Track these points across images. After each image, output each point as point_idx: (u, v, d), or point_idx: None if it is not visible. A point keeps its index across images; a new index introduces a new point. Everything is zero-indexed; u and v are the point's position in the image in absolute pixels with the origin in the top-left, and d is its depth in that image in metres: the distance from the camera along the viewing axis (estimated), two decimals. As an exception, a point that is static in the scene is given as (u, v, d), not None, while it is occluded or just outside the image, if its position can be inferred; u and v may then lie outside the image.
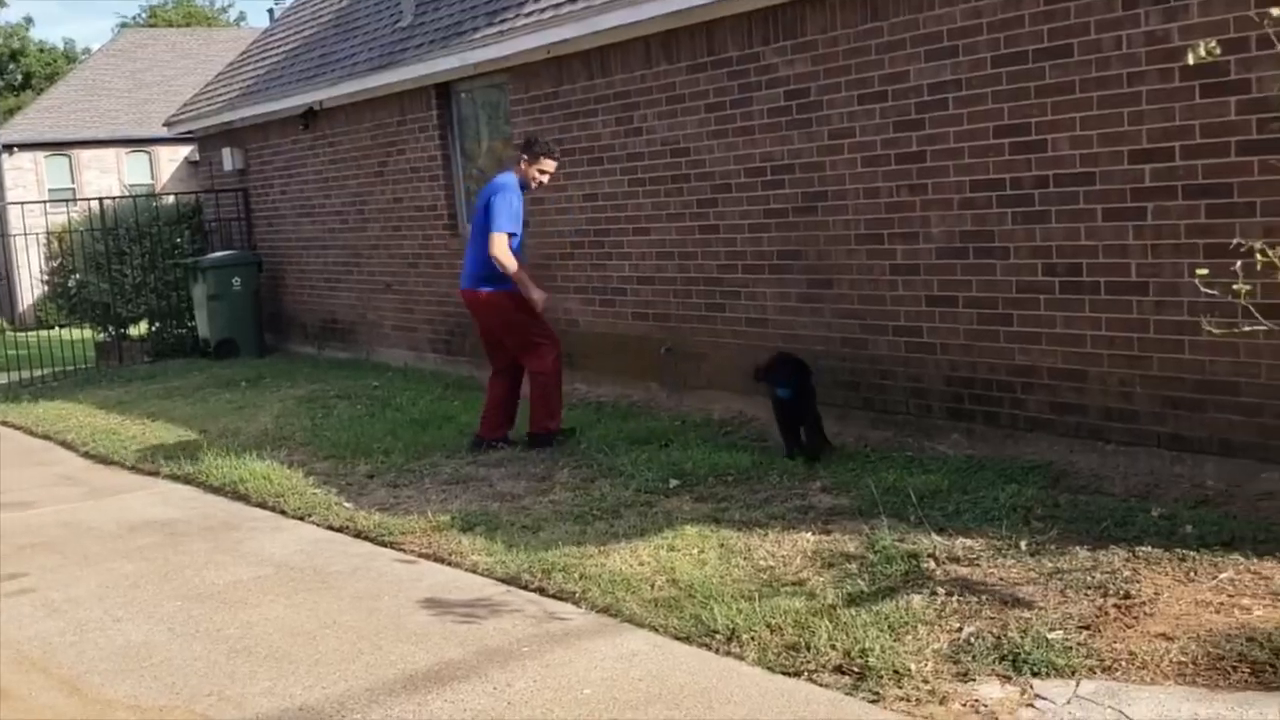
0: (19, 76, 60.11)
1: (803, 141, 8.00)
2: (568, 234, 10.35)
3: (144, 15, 60.77)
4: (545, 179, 8.22)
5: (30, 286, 23.34)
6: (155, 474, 8.85)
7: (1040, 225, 6.68)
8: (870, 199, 7.59)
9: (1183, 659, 4.18)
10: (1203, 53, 4.34)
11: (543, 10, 9.91)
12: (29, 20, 67.09)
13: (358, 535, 6.76)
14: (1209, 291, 4.59)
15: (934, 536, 5.57)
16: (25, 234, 15.74)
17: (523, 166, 8.12)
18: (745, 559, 5.63)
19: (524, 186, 8.19)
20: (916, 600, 4.88)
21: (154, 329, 16.05)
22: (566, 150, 10.21)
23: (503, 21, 10.44)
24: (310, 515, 7.23)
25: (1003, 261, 6.88)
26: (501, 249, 7.92)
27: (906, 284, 7.45)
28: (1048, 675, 4.18)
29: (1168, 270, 6.12)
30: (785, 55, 8.04)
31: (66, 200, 23.55)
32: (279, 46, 16.29)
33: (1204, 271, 4.63)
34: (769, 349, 8.32)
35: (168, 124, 18.39)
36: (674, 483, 6.99)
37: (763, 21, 8.16)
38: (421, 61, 11.50)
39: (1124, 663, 4.20)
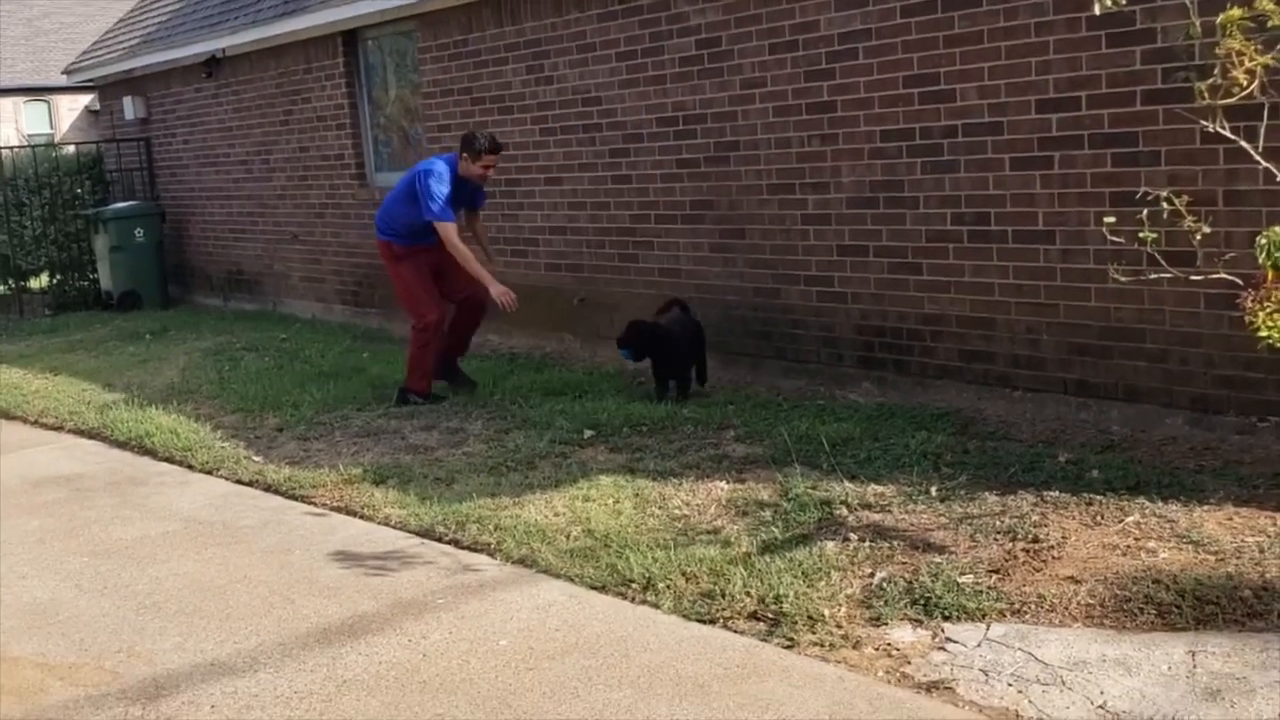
0: (-94, 21, 58.03)
1: (715, 91, 7.97)
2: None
3: (38, -42, 58.86)
4: (490, 172, 7.98)
5: (-77, 239, 22.65)
6: (60, 428, 8.66)
7: (949, 175, 6.73)
8: (782, 149, 7.59)
9: (1091, 601, 4.27)
10: (1109, 2, 4.38)
11: (452, -45, 9.74)
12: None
13: (268, 489, 6.67)
14: (1115, 239, 4.66)
15: (846, 484, 5.63)
16: (-84, 185, 15.25)
17: (464, 164, 7.79)
18: (660, 508, 5.65)
19: (461, 179, 7.84)
20: (829, 546, 4.93)
21: (55, 281, 15.65)
22: (476, 99, 10.09)
23: (411, -34, 10.24)
24: (219, 469, 7.11)
25: (912, 211, 6.94)
26: (453, 236, 7.72)
27: (818, 234, 7.48)
28: (958, 619, 4.25)
29: (1074, 219, 6.21)
30: (696, 4, 7.98)
31: (-41, 150, 22.79)
32: (180, -9, 15.84)
33: (1111, 219, 4.71)
34: (682, 298, 8.34)
35: (67, 72, 17.85)
36: (589, 433, 6.98)
37: (674, -32, 8.10)
38: (328, 7, 11.26)
39: (1033, 605, 4.28)
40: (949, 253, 6.79)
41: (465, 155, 7.76)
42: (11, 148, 16.09)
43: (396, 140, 11.64)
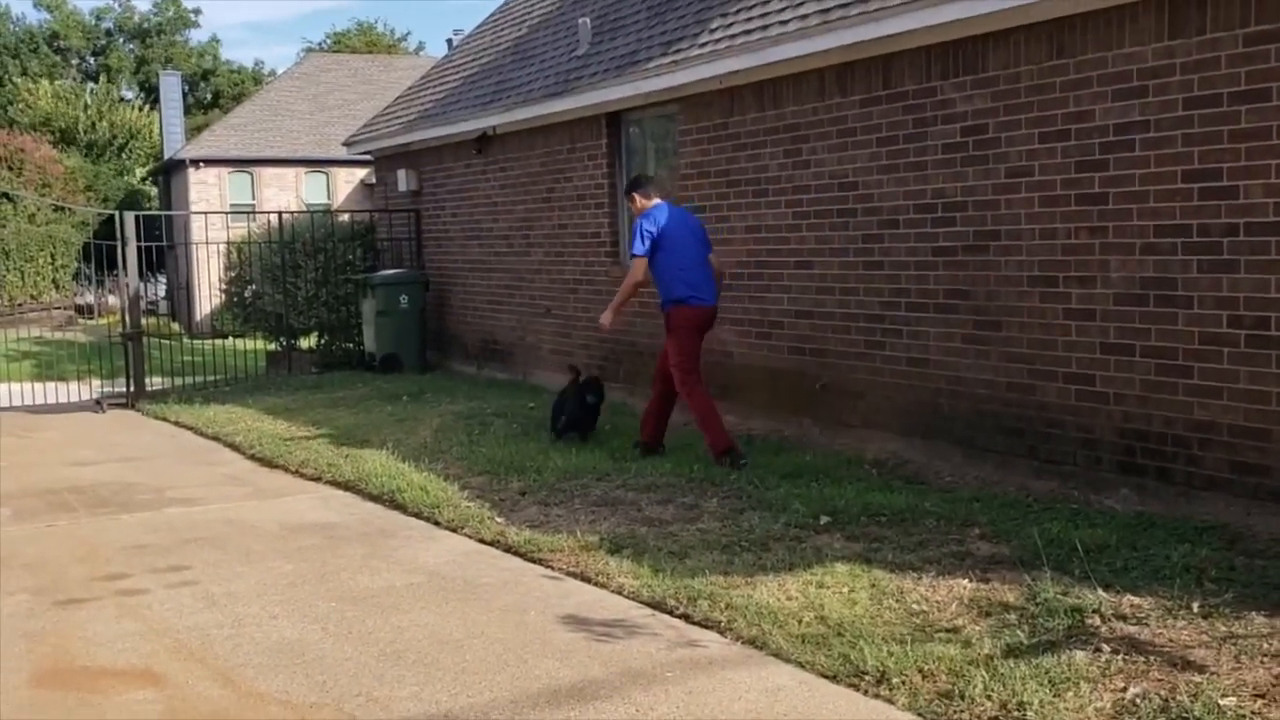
0: (208, 95, 63.02)
1: (978, 179, 7.82)
2: (728, 265, 10.28)
3: (328, 41, 63.11)
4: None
5: (208, 296, 24.25)
6: (318, 479, 9.04)
7: (1228, 275, 6.38)
8: (1046, 240, 7.36)
9: (1372, 738, 3.90)
10: None
11: (717, 41, 9.92)
12: (216, 39, 70.01)
13: (508, 550, 6.80)
14: None
15: (1100, 592, 5.33)
16: (207, 243, 16.33)
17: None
18: (897, 601, 5.48)
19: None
20: (1079, 656, 4.66)
21: (322, 341, 16.47)
22: (732, 182, 10.19)
23: (677, 51, 10.48)
24: (463, 527, 7.29)
25: (1185, 311, 6.60)
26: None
27: (1080, 329, 7.19)
28: (1220, 743, 3.94)
29: (1366, 328, 5.78)
30: (964, 90, 7.87)
31: (247, 213, 24.44)
32: (456, 72, 16.66)
33: None
34: (931, 390, 8.16)
35: (347, 144, 18.96)
36: (825, 519, 6.85)
37: (942, 55, 8.02)
38: (595, 89, 11.61)
39: (1306, 737, 3.94)
40: (1223, 357, 6.42)
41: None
42: (292, 213, 17.08)
43: (652, 220, 11.83)
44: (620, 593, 5.89)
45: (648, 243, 8.61)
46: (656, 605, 5.66)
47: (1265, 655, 4.57)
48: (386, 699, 4.70)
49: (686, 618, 5.47)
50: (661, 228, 8.63)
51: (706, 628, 5.34)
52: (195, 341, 20.52)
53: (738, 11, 10.01)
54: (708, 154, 10.50)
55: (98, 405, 14.06)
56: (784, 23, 9.13)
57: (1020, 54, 7.46)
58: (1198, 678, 4.40)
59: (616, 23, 12.46)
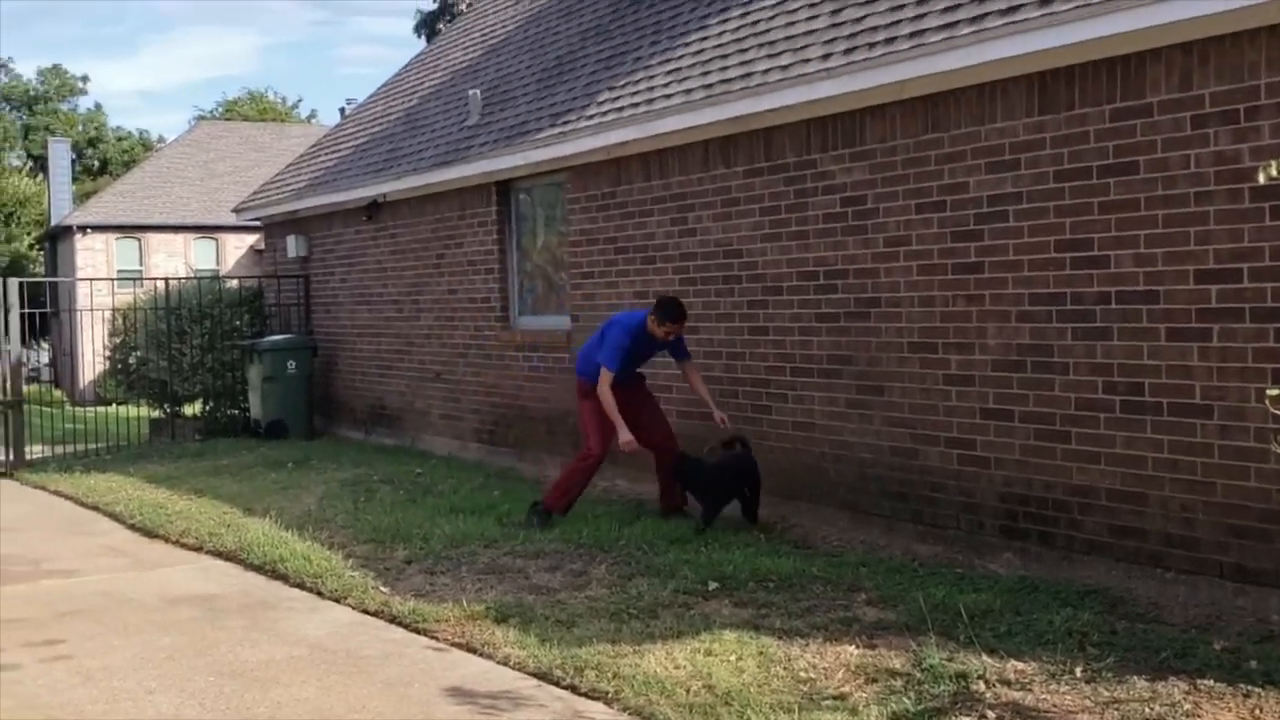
0: (95, 162, 61.94)
1: (857, 247, 7.95)
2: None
3: (220, 109, 62.55)
4: (670, 337, 8.64)
5: (92, 363, 23.68)
6: (199, 549, 8.81)
7: (1101, 342, 6.55)
8: (925, 307, 7.50)
9: (1243, 797, 3.97)
10: (1274, 172, 4.26)
11: (605, 113, 10.01)
12: (100, 108, 69.25)
13: (392, 620, 6.66)
14: (1278, 412, 4.44)
15: (984, 657, 5.38)
16: (92, 310, 15.95)
17: (652, 323, 8.57)
18: (785, 669, 5.46)
19: (648, 335, 8.60)
20: (962, 720, 4.69)
21: (207, 408, 16.13)
22: (620, 249, 10.25)
23: (565, 123, 10.55)
24: (346, 598, 7.14)
25: (1062, 377, 6.75)
26: (604, 384, 8.50)
27: (960, 395, 7.32)
28: (1099, 806, 3.97)
29: (1233, 394, 5.96)
30: (843, 163, 8.03)
31: (133, 279, 23.97)
32: (348, 141, 16.58)
33: (1276, 392, 4.48)
34: (817, 454, 8.23)
35: (237, 210, 18.72)
36: (713, 585, 6.83)
37: (821, 129, 8.17)
38: (485, 159, 11.64)
39: (1180, 798, 3.99)
40: (1100, 422, 6.57)
41: (654, 316, 8.53)
42: (179, 279, 16.79)
43: (541, 286, 11.86)
44: (506, 663, 5.80)
45: None
46: (543, 676, 5.58)
47: (1147, 719, 4.64)
48: (261, 779, 4.56)
49: (574, 688, 5.40)
50: None
51: (594, 698, 5.27)
52: (78, 409, 19.97)
53: (624, 85, 10.13)
54: (596, 221, 10.56)
55: (-28, 476, 13.57)
56: (669, 96, 9.25)
57: (896, 128, 7.64)
58: (1077, 740, 4.46)
59: (506, 95, 12.54)
